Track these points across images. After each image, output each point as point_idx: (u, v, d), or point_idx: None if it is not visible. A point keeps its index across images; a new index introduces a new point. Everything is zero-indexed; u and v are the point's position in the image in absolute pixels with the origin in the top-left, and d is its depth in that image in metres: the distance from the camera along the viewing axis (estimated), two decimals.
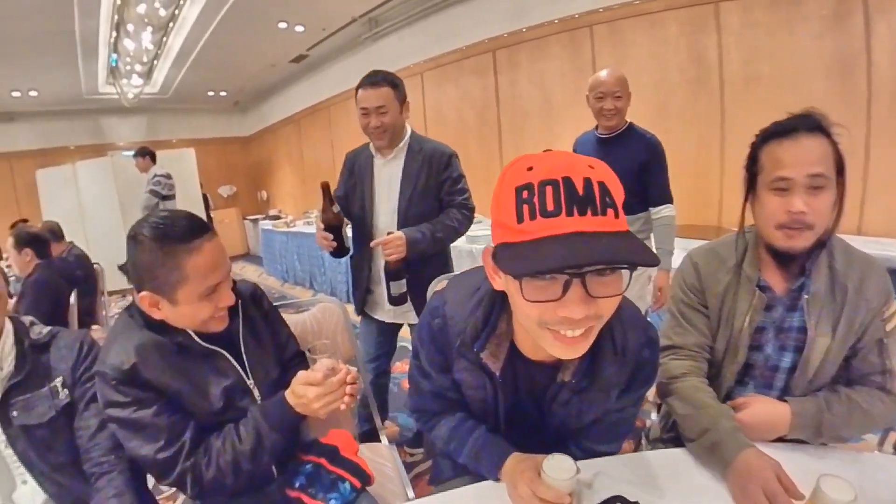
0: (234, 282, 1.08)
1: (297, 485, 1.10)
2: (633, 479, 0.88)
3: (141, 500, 1.00)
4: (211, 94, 8.06)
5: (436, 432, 0.99)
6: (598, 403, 0.86)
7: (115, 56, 5.32)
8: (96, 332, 3.18)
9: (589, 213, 0.58)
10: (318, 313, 1.44)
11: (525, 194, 0.60)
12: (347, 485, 1.10)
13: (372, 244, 1.72)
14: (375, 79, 1.72)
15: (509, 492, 0.83)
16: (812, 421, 0.93)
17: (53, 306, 2.74)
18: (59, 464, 1.02)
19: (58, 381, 1.03)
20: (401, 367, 1.65)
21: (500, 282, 0.72)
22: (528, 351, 0.83)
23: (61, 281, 2.82)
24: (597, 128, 2.17)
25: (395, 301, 1.75)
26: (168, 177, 4.91)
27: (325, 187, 1.65)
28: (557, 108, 3.99)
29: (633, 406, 0.91)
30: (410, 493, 1.28)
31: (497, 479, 0.87)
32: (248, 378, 1.08)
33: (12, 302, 2.28)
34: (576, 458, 0.78)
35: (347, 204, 1.92)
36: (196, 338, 1.01)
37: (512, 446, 0.89)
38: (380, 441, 1.50)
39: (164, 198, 4.75)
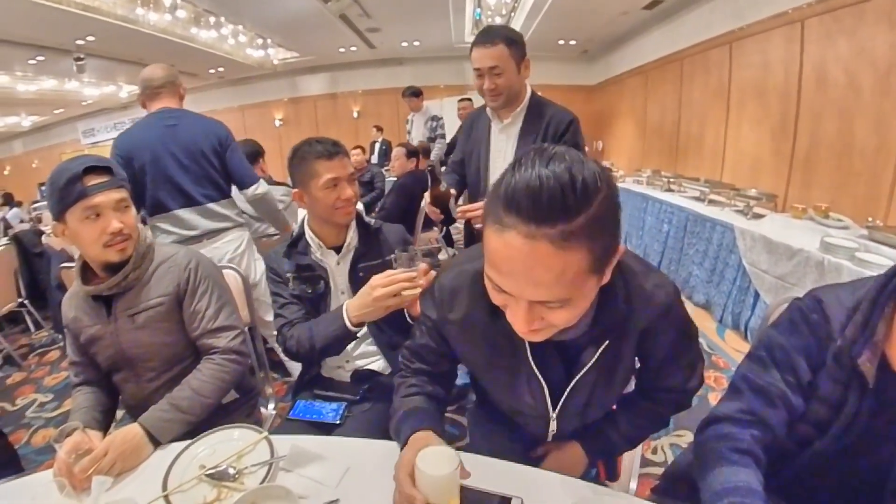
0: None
1: None
2: None
3: None
4: (561, 42, 8.52)
5: None
6: None
7: (478, 10, 6.49)
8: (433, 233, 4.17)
9: None
10: None
11: None
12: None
13: (457, 212, 1.70)
14: (489, 36, 1.61)
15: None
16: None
17: (408, 206, 3.53)
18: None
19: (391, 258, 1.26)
20: None
21: None
22: None
23: (418, 189, 3.47)
24: None
25: None
26: (435, 119, 5.58)
27: (430, 170, 1.87)
28: None
29: None
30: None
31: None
32: None
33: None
34: None
35: (465, 169, 1.88)
36: None
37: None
38: None
39: (430, 139, 5.42)
